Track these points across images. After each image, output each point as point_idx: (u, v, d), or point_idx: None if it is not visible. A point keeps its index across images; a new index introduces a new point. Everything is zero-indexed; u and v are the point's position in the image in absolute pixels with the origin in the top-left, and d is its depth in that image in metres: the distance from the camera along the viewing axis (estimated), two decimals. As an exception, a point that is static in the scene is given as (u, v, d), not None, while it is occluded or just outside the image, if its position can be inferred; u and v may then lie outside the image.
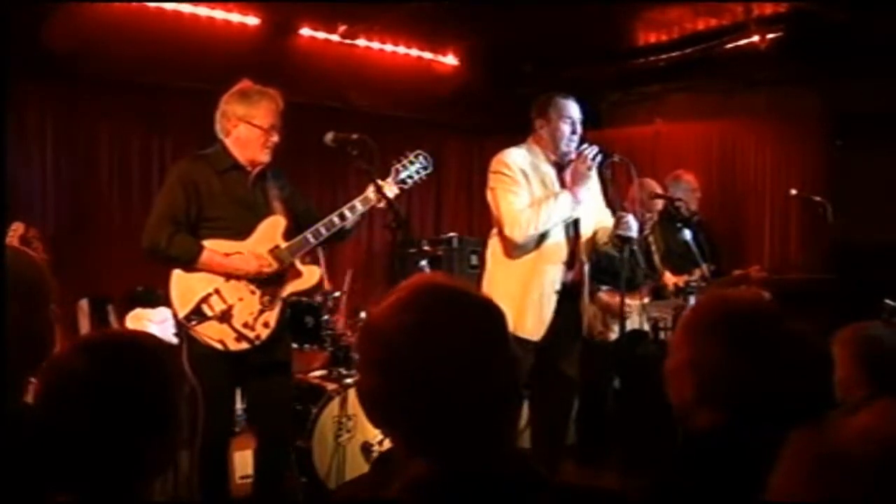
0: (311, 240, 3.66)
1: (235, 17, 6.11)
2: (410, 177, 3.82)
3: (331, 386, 4.59)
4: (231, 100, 3.68)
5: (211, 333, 3.53)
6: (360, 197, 3.68)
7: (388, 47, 6.89)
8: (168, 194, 3.61)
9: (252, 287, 3.61)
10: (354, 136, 3.66)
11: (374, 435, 4.44)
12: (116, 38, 5.56)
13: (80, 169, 5.95)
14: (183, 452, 4.27)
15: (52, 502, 1.42)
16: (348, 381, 4.58)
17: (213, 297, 3.55)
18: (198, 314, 3.52)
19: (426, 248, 5.82)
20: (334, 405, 4.46)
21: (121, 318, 4.94)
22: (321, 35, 6.50)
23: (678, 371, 1.84)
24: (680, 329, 1.89)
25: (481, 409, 1.25)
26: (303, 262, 3.76)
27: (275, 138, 3.66)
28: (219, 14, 6.04)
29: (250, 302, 3.59)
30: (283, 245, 3.65)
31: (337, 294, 5.12)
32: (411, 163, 3.82)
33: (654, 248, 5.31)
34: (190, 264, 3.55)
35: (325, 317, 4.89)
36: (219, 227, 3.60)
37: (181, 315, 3.54)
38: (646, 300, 5.05)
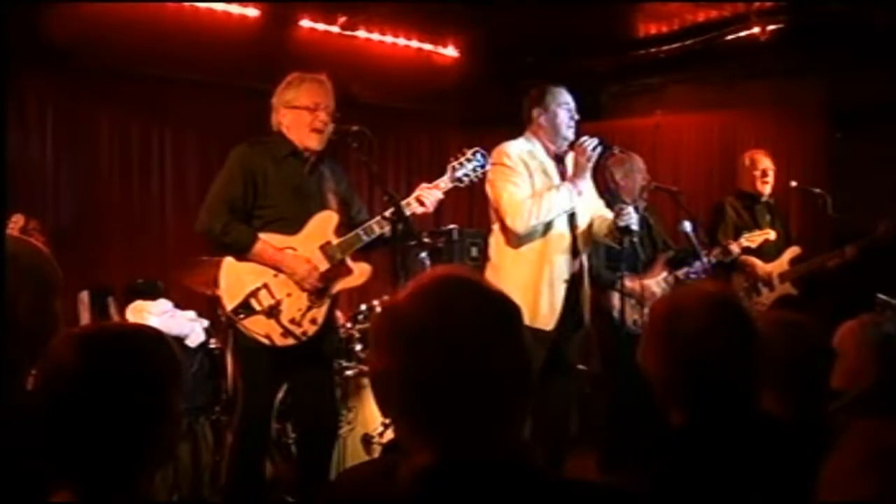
0: (364, 237, 3.62)
1: (235, 9, 6.08)
2: (467, 175, 3.76)
3: (331, 378, 4.58)
4: (277, 92, 3.68)
5: (257, 328, 3.52)
6: (404, 201, 3.62)
7: (388, 39, 6.86)
8: (226, 179, 3.60)
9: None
10: (354, 128, 3.64)
11: (375, 427, 4.44)
12: (116, 29, 5.55)
13: (80, 160, 5.94)
14: (183, 445, 4.29)
15: (53, 499, 1.41)
16: (348, 373, 4.57)
17: (261, 291, 3.54)
18: (245, 308, 3.51)
19: (426, 240, 5.80)
20: (335, 397, 4.46)
21: (121, 310, 4.94)
22: (321, 26, 6.47)
23: (646, 374, 1.86)
24: (642, 333, 1.94)
25: (489, 403, 1.26)
26: (353, 259, 3.71)
27: (322, 117, 3.60)
28: (218, 5, 6.02)
29: (299, 298, 3.57)
30: (335, 241, 3.63)
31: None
32: (468, 160, 3.76)
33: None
34: (243, 253, 3.54)
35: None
36: (271, 215, 3.59)
37: (229, 308, 3.53)
38: (662, 275, 4.92)
